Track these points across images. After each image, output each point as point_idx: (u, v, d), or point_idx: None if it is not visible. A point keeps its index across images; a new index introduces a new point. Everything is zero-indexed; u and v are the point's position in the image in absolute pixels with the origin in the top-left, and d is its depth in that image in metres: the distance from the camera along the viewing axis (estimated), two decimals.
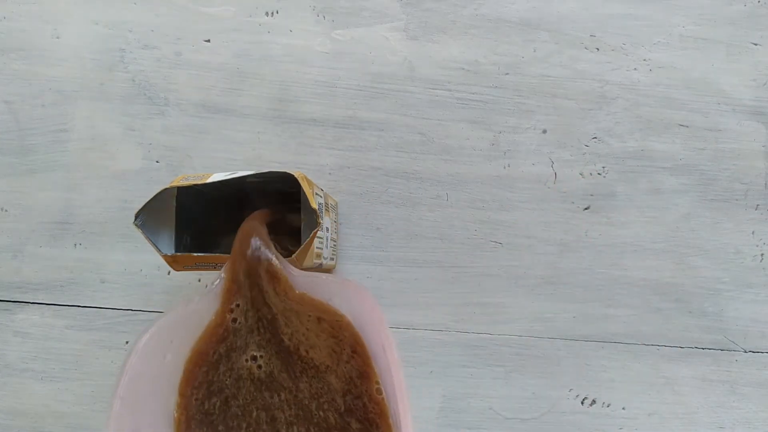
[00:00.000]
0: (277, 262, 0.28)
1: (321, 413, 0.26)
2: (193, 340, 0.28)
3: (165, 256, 0.30)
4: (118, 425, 0.24)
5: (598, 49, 0.43)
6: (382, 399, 0.26)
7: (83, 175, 0.43)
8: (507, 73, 0.43)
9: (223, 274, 0.28)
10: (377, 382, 0.26)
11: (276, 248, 0.29)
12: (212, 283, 0.28)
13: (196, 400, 0.27)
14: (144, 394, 0.25)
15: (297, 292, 0.28)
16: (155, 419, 0.26)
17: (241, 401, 0.27)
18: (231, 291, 0.28)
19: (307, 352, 0.27)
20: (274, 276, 0.28)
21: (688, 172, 0.42)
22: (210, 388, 0.27)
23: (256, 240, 0.28)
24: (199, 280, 0.42)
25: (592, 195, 0.42)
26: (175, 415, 0.27)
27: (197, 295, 0.28)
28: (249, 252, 0.28)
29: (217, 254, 0.30)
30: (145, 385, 0.26)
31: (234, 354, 0.28)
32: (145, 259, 0.42)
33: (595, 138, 0.43)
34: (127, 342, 0.42)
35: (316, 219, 0.30)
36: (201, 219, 0.35)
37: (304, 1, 0.44)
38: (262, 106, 0.43)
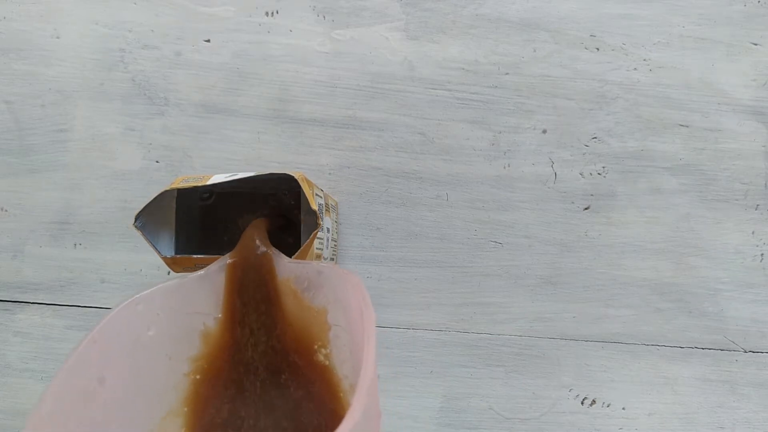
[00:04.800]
0: (270, 253, 0.29)
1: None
2: (182, 315, 0.28)
3: (165, 258, 0.30)
4: (84, 362, 0.23)
5: (598, 49, 0.43)
6: (325, 364, 0.27)
7: (83, 175, 0.43)
8: (507, 73, 0.43)
9: (229, 259, 0.29)
10: (321, 345, 0.28)
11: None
12: (208, 267, 0.28)
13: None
14: (119, 353, 0.25)
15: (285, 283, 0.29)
16: (124, 380, 0.26)
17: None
18: (234, 281, 0.29)
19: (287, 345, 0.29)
20: (271, 271, 0.29)
21: (688, 172, 0.42)
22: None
23: (258, 241, 0.29)
24: None
25: (592, 195, 0.42)
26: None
27: (191, 274, 0.28)
28: (254, 247, 0.29)
29: (216, 256, 0.30)
30: (121, 346, 0.26)
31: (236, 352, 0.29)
32: (144, 259, 0.42)
33: (595, 138, 0.43)
34: None
35: (316, 220, 0.30)
36: (201, 220, 0.35)
37: (304, 1, 0.44)
38: (262, 106, 0.43)
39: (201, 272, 0.28)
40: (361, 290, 0.23)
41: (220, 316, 0.29)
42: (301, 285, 0.29)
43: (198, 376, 0.28)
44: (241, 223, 0.36)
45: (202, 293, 0.29)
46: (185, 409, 0.28)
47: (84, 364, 0.23)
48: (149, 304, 0.27)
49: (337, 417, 0.27)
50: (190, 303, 0.28)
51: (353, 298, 0.24)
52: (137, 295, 0.26)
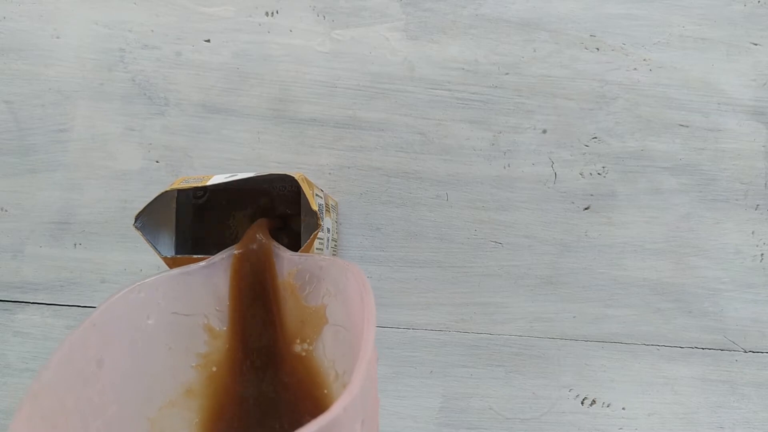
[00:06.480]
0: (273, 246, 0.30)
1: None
2: (183, 308, 0.28)
3: (165, 258, 0.30)
4: (83, 344, 0.23)
5: (598, 49, 0.43)
6: (320, 359, 0.28)
7: (83, 175, 0.43)
8: (507, 73, 0.43)
9: (235, 250, 0.29)
10: (317, 340, 0.28)
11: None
12: (211, 259, 0.29)
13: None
14: (119, 338, 0.26)
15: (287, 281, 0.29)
16: (123, 366, 0.26)
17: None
18: (239, 272, 0.29)
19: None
20: (274, 264, 0.29)
21: (688, 172, 0.42)
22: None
23: (261, 235, 0.30)
24: None
25: (592, 195, 0.42)
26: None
27: (195, 265, 0.29)
28: (259, 241, 0.30)
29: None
30: (121, 332, 0.26)
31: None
32: (144, 259, 0.42)
33: (595, 138, 0.43)
34: None
35: (316, 221, 0.30)
36: (200, 220, 0.35)
37: (304, 1, 0.44)
38: (262, 106, 0.43)
39: (203, 263, 0.28)
40: (361, 277, 0.23)
41: (223, 308, 0.29)
42: (303, 278, 0.29)
43: (215, 368, 0.29)
44: (240, 223, 0.36)
45: (204, 284, 0.29)
46: (191, 401, 0.28)
47: (83, 346, 0.23)
48: (151, 291, 0.27)
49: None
50: (192, 294, 0.29)
51: (353, 285, 0.24)
52: (140, 282, 0.26)
